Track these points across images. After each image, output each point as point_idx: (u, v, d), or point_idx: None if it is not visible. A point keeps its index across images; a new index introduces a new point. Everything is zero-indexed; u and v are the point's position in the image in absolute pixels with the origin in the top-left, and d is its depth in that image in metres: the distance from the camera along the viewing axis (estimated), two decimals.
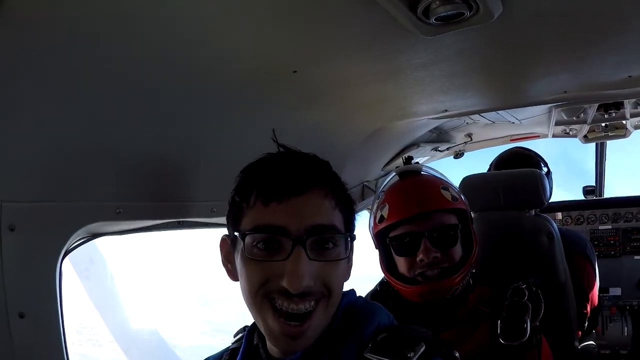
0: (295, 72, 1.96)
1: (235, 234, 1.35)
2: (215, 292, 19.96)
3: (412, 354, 1.24)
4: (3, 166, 1.65)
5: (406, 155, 2.77)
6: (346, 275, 1.39)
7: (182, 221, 2.43)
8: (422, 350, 1.25)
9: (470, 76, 2.38)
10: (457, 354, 1.32)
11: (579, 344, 2.93)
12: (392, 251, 2.27)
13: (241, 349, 1.52)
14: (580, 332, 2.97)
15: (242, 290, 1.35)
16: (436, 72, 2.14)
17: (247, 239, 1.29)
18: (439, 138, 4.26)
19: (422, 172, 2.41)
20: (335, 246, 1.30)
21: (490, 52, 2.06)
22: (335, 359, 1.32)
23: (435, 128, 3.94)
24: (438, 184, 2.29)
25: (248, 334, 1.56)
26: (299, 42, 1.80)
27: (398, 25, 1.58)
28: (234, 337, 1.72)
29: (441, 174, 2.43)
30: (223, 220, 2.48)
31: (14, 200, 1.71)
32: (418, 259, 2.15)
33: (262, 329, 1.35)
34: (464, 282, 2.19)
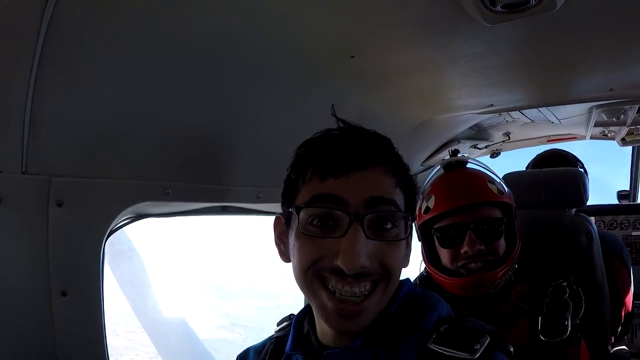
0: (352, 57, 1.97)
1: (290, 210, 1.31)
2: (235, 286, 19.98)
3: (478, 345, 1.21)
4: (53, 141, 1.66)
5: (452, 148, 2.75)
6: (405, 260, 1.34)
7: (227, 206, 2.43)
8: (487, 342, 1.22)
9: (520, 70, 2.38)
10: (512, 349, 1.29)
11: (611, 348, 2.90)
12: (436, 242, 2.26)
13: (290, 336, 1.47)
14: (612, 337, 2.95)
15: (293, 269, 1.31)
16: (489, 63, 2.14)
17: (302, 214, 1.24)
18: (477, 135, 4.23)
19: (468, 165, 2.40)
20: (394, 226, 1.24)
21: (542, 45, 2.06)
22: (396, 348, 1.28)
23: (475, 125, 3.93)
24: (484, 177, 2.29)
25: (297, 321, 1.51)
26: (358, 27, 1.79)
27: (462, 12, 1.58)
28: (277, 325, 1.68)
29: (487, 167, 2.42)
30: (268, 207, 2.52)
31: (63, 175, 1.71)
32: (462, 250, 2.14)
33: (314, 309, 1.31)
34: (507, 276, 2.18)
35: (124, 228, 2.14)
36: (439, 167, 2.46)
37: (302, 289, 1.30)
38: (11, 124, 1.53)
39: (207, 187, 2.21)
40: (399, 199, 1.28)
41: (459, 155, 2.48)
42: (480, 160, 2.47)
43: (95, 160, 1.80)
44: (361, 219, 1.19)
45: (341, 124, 1.33)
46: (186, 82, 1.89)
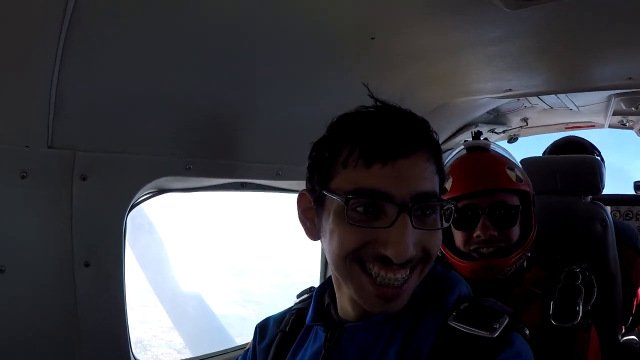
0: (373, 38, 1.97)
1: (327, 193, 1.25)
2: (249, 263, 19.95)
3: (497, 325, 1.21)
4: (78, 116, 1.69)
5: (475, 130, 2.74)
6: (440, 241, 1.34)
7: (246, 183, 2.46)
8: (506, 322, 1.23)
9: (539, 55, 2.37)
10: (527, 332, 1.29)
11: (621, 338, 2.90)
12: (451, 224, 2.27)
13: (311, 309, 1.47)
14: (623, 327, 2.94)
15: (328, 251, 1.29)
16: (508, 48, 2.14)
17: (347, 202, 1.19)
18: (495, 120, 4.22)
19: (490, 149, 2.36)
20: (434, 213, 1.24)
21: (562, 30, 2.05)
22: (417, 323, 1.29)
23: (493, 109, 3.91)
24: (504, 162, 2.25)
25: (317, 294, 1.51)
26: (379, 8, 1.79)
27: None
28: (298, 297, 1.69)
29: (509, 153, 2.39)
30: (287, 184, 2.54)
31: (87, 150, 1.75)
32: (475, 234, 2.13)
33: (351, 290, 1.28)
34: (518, 264, 2.17)
35: (143, 204, 2.18)
36: (461, 148, 2.42)
37: (337, 271, 1.28)
38: (37, 99, 1.57)
39: (227, 163, 2.23)
40: (437, 186, 1.27)
41: (481, 138, 2.47)
42: (501, 145, 2.45)
43: (119, 136, 1.84)
44: (409, 210, 1.17)
45: (378, 103, 1.27)
46: (207, 60, 1.90)
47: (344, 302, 1.38)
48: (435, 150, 1.26)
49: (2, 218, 1.63)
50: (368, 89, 1.28)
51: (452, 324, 1.25)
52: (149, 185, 2.00)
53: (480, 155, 2.32)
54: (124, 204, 1.92)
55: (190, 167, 2.06)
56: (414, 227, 1.17)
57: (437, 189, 1.26)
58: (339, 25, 1.90)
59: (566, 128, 4.99)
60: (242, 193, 2.54)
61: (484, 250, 2.14)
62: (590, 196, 2.89)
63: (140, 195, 2.04)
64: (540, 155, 3.74)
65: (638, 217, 5.02)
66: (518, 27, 1.94)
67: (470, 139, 2.47)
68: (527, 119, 4.52)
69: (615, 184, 5.44)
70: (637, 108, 4.12)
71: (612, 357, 2.65)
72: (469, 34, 2.03)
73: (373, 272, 1.21)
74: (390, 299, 1.22)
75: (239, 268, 19.86)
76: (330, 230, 1.26)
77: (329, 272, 1.43)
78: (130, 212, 2.02)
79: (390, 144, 1.18)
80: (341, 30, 1.94)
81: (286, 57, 2.08)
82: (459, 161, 2.32)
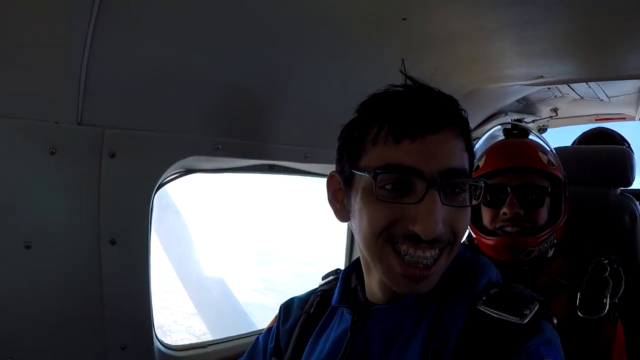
0: (404, 19, 1.95)
1: (356, 171, 1.25)
2: (273, 251, 20.03)
3: (527, 311, 1.20)
4: (108, 93, 1.70)
5: (514, 117, 2.73)
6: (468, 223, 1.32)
7: (274, 165, 2.46)
8: (536, 309, 1.21)
9: (571, 40, 2.35)
10: (555, 321, 1.27)
11: None
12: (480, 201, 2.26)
13: (337, 290, 1.47)
14: None
15: (358, 231, 1.28)
16: (540, 32, 2.12)
17: (377, 178, 1.18)
18: (525, 109, 4.19)
19: (528, 135, 2.39)
20: (463, 191, 1.22)
21: (594, 16, 2.03)
22: (445, 307, 1.28)
23: (523, 98, 3.88)
24: (538, 146, 2.28)
25: (344, 275, 1.51)
26: None
27: None
28: (323, 279, 1.69)
29: (546, 141, 2.40)
30: (315, 168, 2.53)
31: (116, 127, 1.76)
32: (502, 212, 2.14)
33: (379, 271, 1.27)
34: (542, 247, 2.16)
35: (170, 185, 2.19)
36: (499, 127, 2.46)
37: (367, 251, 1.27)
38: (68, 76, 1.58)
39: (256, 144, 2.23)
40: (467, 164, 1.26)
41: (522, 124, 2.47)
42: (538, 133, 2.45)
43: (148, 114, 1.84)
44: (438, 185, 1.16)
45: (409, 82, 1.26)
46: (235, 41, 1.90)
47: (373, 284, 1.37)
48: (464, 128, 1.25)
49: (30, 194, 1.65)
50: (403, 65, 1.27)
51: (482, 308, 1.24)
52: (177, 165, 2.00)
53: (517, 139, 2.35)
54: (152, 182, 1.93)
55: (218, 147, 2.06)
56: (442, 203, 1.16)
57: (466, 166, 1.24)
58: (370, 5, 1.88)
59: (596, 120, 4.94)
60: (270, 178, 2.54)
61: (509, 229, 2.15)
62: (620, 188, 2.85)
63: (168, 174, 2.05)
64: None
65: None
66: (551, 10, 1.91)
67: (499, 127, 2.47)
68: (557, 109, 4.48)
69: None
70: None
71: (638, 354, 2.62)
72: (502, 17, 2.00)
73: (402, 250, 1.19)
74: (418, 280, 1.21)
75: (263, 256, 19.97)
76: (359, 209, 1.25)
77: (354, 256, 1.42)
78: (157, 192, 2.03)
79: (419, 120, 1.17)
80: (372, 11, 1.92)
81: (317, 38, 2.06)
82: (496, 142, 2.36)
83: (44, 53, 1.51)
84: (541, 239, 2.14)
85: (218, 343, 2.48)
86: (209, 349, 2.41)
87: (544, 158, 2.21)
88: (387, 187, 1.18)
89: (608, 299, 2.01)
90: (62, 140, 1.64)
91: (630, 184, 2.86)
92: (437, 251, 1.21)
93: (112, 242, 1.83)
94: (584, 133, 3.77)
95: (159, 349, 2.14)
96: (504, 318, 1.21)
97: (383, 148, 1.20)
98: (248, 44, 1.94)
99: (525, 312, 1.20)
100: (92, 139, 1.71)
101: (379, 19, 2.00)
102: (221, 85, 2.01)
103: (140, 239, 1.93)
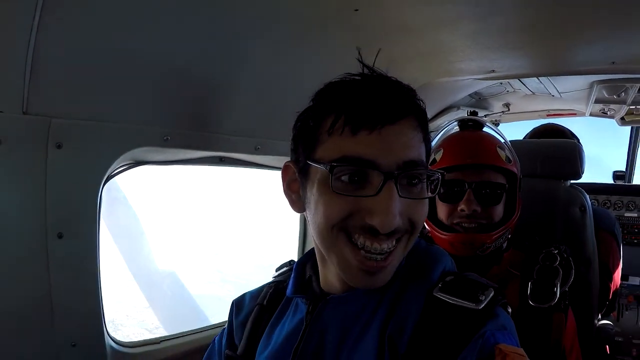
0: (356, 10, 1.95)
1: (311, 163, 1.22)
2: (229, 242, 19.89)
3: (483, 297, 1.21)
4: (54, 82, 1.65)
5: (471, 109, 2.74)
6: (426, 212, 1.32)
7: (224, 157, 2.43)
8: (491, 295, 1.22)
9: (522, 34, 2.38)
10: (509, 309, 1.29)
11: (597, 323, 2.93)
12: (437, 196, 2.28)
13: (291, 281, 1.46)
14: (599, 313, 2.97)
15: (313, 223, 1.26)
16: (492, 25, 2.14)
17: (333, 171, 1.16)
18: (477, 104, 4.23)
19: (484, 127, 2.40)
20: (420, 182, 1.21)
21: (546, 9, 2.06)
22: (401, 295, 1.29)
23: (475, 93, 3.92)
24: (495, 141, 2.29)
25: (298, 266, 1.50)
26: None
27: None
28: (277, 271, 1.68)
29: (501, 134, 2.42)
30: (266, 160, 2.51)
31: (63, 117, 1.71)
32: (459, 208, 2.16)
33: (334, 263, 1.25)
34: (497, 243, 2.19)
35: (118, 179, 2.14)
36: (455, 122, 2.46)
37: (322, 243, 1.26)
38: (13, 64, 1.53)
39: (206, 135, 2.20)
40: (424, 155, 1.25)
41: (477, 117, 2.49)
42: (493, 126, 2.48)
43: (96, 103, 1.79)
44: (395, 178, 1.15)
45: (366, 71, 1.24)
46: (185, 27, 1.87)
47: (329, 275, 1.36)
48: (422, 119, 1.24)
49: None
50: (360, 54, 1.24)
51: (438, 295, 1.25)
52: (125, 156, 1.96)
53: (474, 132, 2.36)
54: (100, 174, 1.88)
55: (167, 138, 2.02)
56: (399, 195, 1.15)
57: (423, 158, 1.23)
58: None
59: (548, 115, 5.03)
60: (224, 170, 2.51)
61: (466, 224, 2.17)
62: (571, 181, 2.91)
63: (117, 166, 2.00)
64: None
65: (616, 206, 5.08)
66: (503, 3, 1.93)
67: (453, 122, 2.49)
68: (509, 104, 4.55)
69: (594, 173, 5.49)
70: (618, 96, 4.13)
71: (588, 341, 2.68)
72: (455, 8, 2.02)
73: (359, 243, 1.18)
74: (373, 273, 1.20)
75: (218, 247, 19.79)
76: (315, 201, 1.23)
77: (308, 247, 1.41)
78: (106, 185, 1.98)
79: (377, 111, 1.15)
80: (324, 1, 1.90)
81: (269, 27, 2.05)
82: (453, 135, 2.37)
83: None
84: (497, 236, 2.17)
85: (171, 339, 2.44)
86: (162, 344, 2.37)
87: (502, 154, 2.23)
88: (343, 178, 1.16)
89: (558, 288, 2.05)
90: (7, 130, 1.58)
91: (580, 177, 2.92)
92: (394, 242, 1.20)
93: (60, 236, 1.77)
94: (534, 128, 3.82)
95: (110, 346, 2.09)
96: (459, 304, 1.21)
97: (339, 139, 1.17)
98: (198, 32, 1.91)
99: (480, 298, 1.21)
100: (38, 129, 1.66)
101: (332, 8, 1.99)
102: (170, 75, 1.97)
103: (88, 233, 1.88)
